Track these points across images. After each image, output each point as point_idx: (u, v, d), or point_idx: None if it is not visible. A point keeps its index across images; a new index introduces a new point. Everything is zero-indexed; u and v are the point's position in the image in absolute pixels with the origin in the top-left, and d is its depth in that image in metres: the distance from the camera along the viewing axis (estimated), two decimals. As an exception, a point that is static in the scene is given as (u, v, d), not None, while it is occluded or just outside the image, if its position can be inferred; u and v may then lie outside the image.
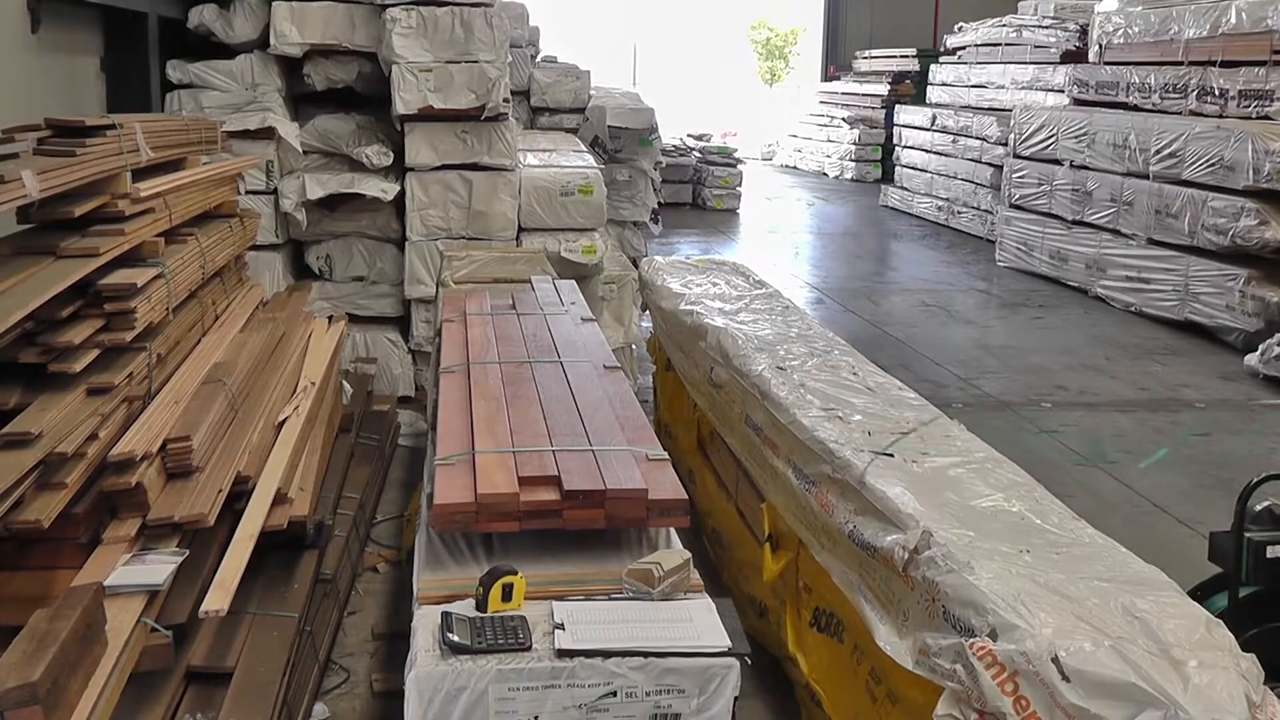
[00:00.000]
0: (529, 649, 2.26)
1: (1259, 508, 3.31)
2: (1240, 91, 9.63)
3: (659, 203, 10.51)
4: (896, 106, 18.37)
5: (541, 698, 2.23)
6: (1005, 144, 12.85)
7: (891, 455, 3.21)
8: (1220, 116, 9.74)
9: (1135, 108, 10.92)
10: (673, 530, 2.80)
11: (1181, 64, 10.40)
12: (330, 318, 5.32)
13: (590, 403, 3.30)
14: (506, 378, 3.54)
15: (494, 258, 5.50)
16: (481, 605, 2.37)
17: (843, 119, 20.90)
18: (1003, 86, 14.78)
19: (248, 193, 5.95)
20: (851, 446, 3.23)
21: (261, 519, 3.22)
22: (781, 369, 4.02)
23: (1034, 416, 6.87)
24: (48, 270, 3.20)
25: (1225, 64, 9.87)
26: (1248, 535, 3.14)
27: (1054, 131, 11.48)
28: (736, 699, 2.32)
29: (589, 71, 9.73)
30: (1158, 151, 9.72)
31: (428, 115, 6.21)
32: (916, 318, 9.65)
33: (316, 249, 6.41)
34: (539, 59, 10.02)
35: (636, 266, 6.54)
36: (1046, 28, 14.14)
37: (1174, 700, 2.09)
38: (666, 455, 2.96)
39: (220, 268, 4.58)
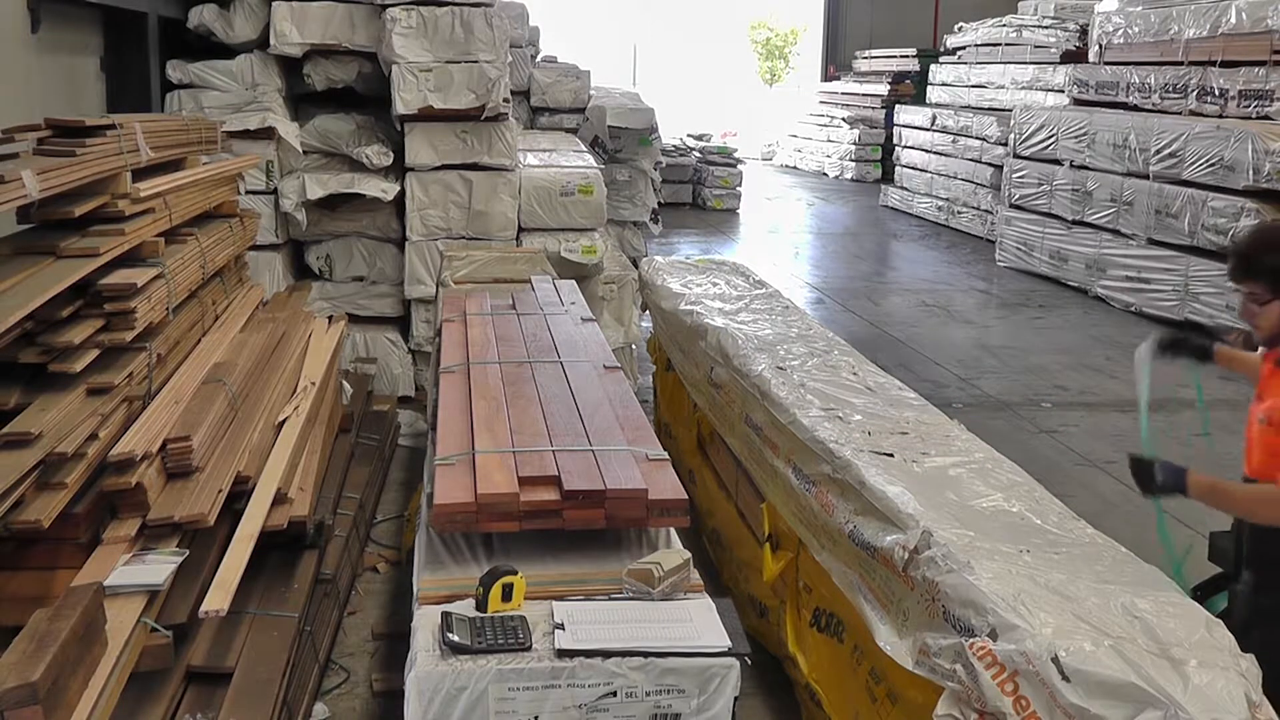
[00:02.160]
0: (529, 649, 2.25)
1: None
2: (1240, 91, 9.63)
3: (659, 203, 10.52)
4: (896, 106, 18.37)
5: (541, 698, 2.23)
6: (1005, 144, 12.85)
7: (891, 455, 3.21)
8: (1220, 116, 9.74)
9: (1135, 108, 10.92)
10: (673, 530, 2.80)
11: (1181, 64, 10.40)
12: (330, 318, 5.32)
13: (590, 403, 3.30)
14: (506, 378, 3.54)
15: (494, 258, 5.50)
16: (481, 605, 2.37)
17: (843, 119, 20.90)
18: (1003, 86, 14.78)
19: (248, 193, 5.95)
20: (851, 446, 3.23)
21: (261, 519, 3.22)
22: (781, 369, 4.02)
23: (1034, 416, 6.87)
24: (48, 270, 3.20)
25: (1225, 64, 9.87)
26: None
27: (1054, 131, 11.48)
28: (736, 699, 2.31)
29: (589, 71, 9.74)
30: (1158, 151, 9.73)
31: (428, 115, 6.21)
32: (916, 318, 9.65)
33: (316, 249, 6.41)
34: (539, 59, 10.03)
35: (636, 266, 6.54)
36: (1046, 28, 14.14)
37: (1174, 700, 2.09)
38: (666, 455, 2.96)
39: (220, 268, 4.58)
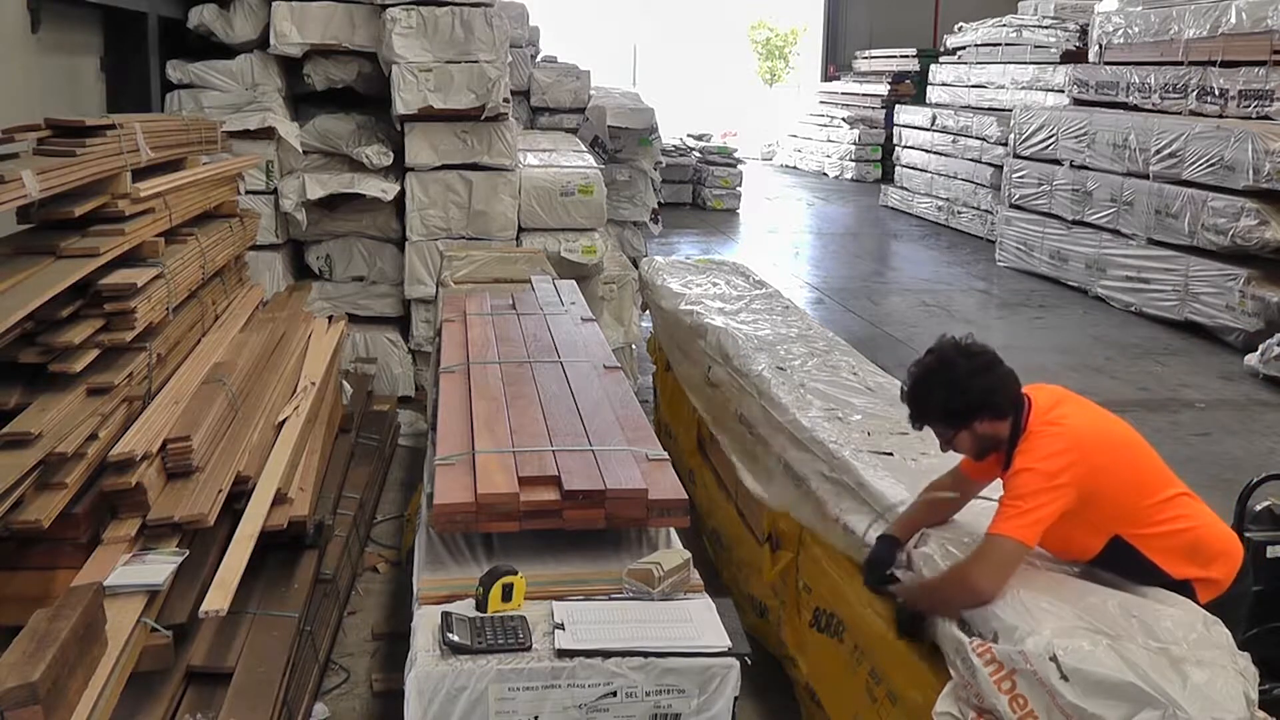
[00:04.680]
0: (529, 649, 2.26)
1: (1259, 508, 3.32)
2: (1240, 91, 9.63)
3: (659, 203, 10.52)
4: (896, 106, 18.36)
5: (541, 698, 2.23)
6: (1005, 144, 12.84)
7: (891, 454, 3.21)
8: (1220, 116, 9.74)
9: (1135, 108, 10.92)
10: (673, 530, 2.80)
11: (1181, 64, 10.40)
12: (330, 318, 5.32)
13: (590, 403, 3.30)
14: (506, 378, 3.54)
15: (494, 258, 5.50)
16: (481, 605, 2.37)
17: (843, 119, 20.89)
18: (1003, 86, 14.77)
19: (248, 193, 5.95)
20: (851, 446, 3.23)
21: (261, 519, 3.22)
22: (781, 369, 4.02)
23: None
24: (48, 270, 3.21)
25: (1225, 64, 9.86)
26: (1248, 535, 3.14)
27: (1054, 131, 11.47)
28: (736, 699, 2.32)
29: (589, 71, 9.74)
30: (1158, 151, 9.72)
31: (428, 115, 6.21)
32: (916, 318, 9.65)
33: (316, 249, 6.41)
34: (539, 59, 10.03)
35: (636, 266, 6.54)
36: (1046, 28, 14.13)
37: (1172, 699, 2.09)
38: (666, 455, 2.96)
39: (220, 268, 4.58)
